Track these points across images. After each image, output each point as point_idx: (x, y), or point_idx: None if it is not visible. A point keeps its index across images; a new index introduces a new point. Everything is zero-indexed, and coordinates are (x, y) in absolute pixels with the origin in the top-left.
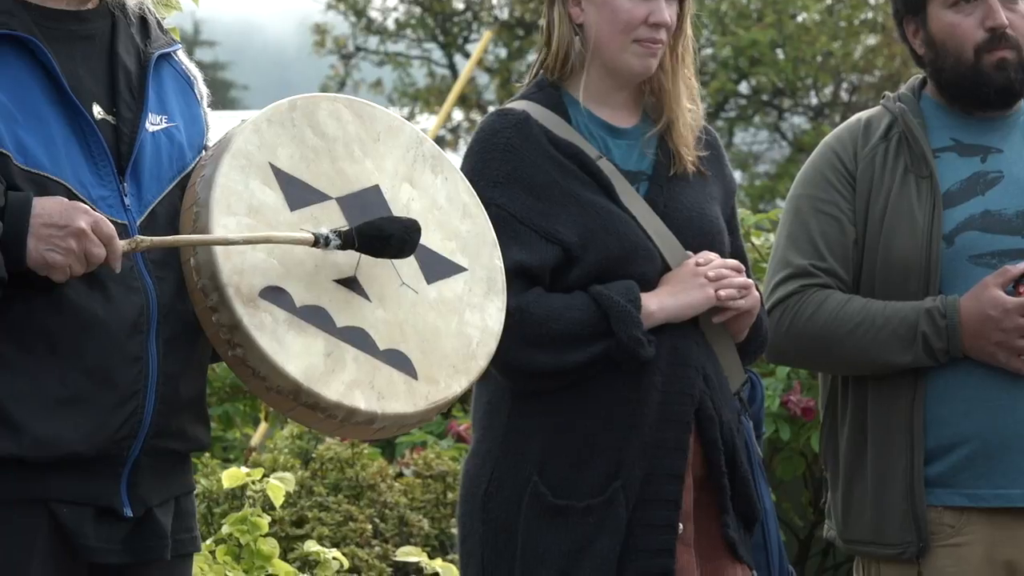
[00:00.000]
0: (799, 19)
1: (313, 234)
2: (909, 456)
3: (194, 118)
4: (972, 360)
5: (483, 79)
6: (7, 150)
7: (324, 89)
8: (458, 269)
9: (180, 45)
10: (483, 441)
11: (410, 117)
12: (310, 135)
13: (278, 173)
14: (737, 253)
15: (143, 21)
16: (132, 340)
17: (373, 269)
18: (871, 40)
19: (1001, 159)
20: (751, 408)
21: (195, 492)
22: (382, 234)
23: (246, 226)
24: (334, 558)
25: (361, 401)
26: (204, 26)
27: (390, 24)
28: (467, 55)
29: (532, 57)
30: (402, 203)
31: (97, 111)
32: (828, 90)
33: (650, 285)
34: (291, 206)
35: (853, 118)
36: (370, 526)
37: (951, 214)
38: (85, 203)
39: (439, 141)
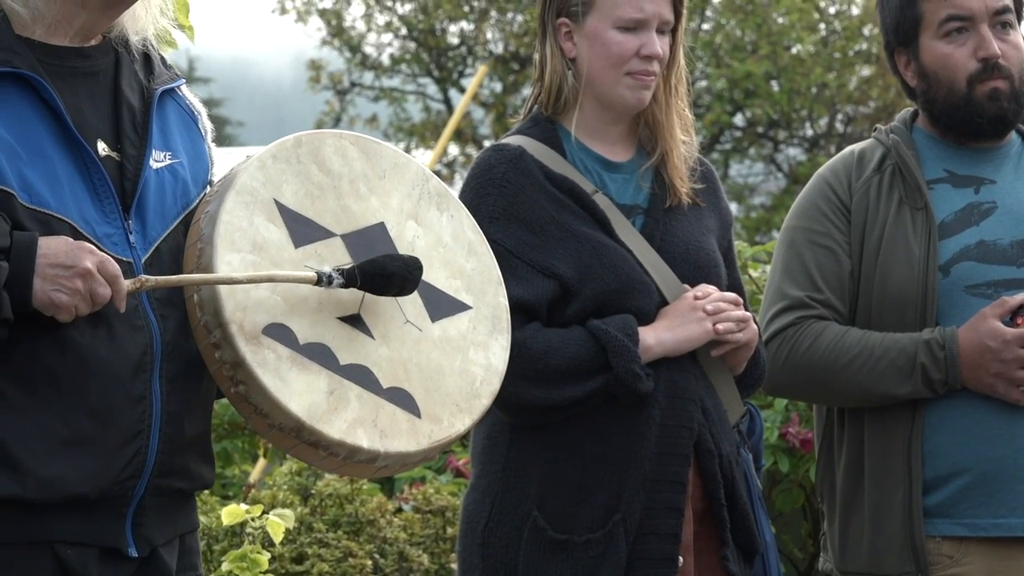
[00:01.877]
0: (794, 51)
1: (316, 272)
2: (907, 487)
3: (198, 154)
4: (970, 391)
5: (478, 114)
6: (11, 188)
7: (319, 125)
8: (463, 307)
9: (183, 81)
10: (482, 476)
11: (405, 152)
12: (315, 172)
13: (283, 210)
14: (734, 285)
15: (146, 57)
16: (136, 379)
17: (377, 306)
18: (866, 71)
19: (995, 190)
20: (750, 441)
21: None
22: (384, 272)
23: (250, 263)
24: None
25: (364, 440)
26: (199, 63)
27: (385, 59)
28: (462, 90)
29: (527, 91)
30: (407, 240)
31: (102, 148)
32: (823, 121)
33: (648, 319)
34: (296, 243)
35: (846, 150)
36: (370, 562)
37: (946, 245)
38: (91, 241)
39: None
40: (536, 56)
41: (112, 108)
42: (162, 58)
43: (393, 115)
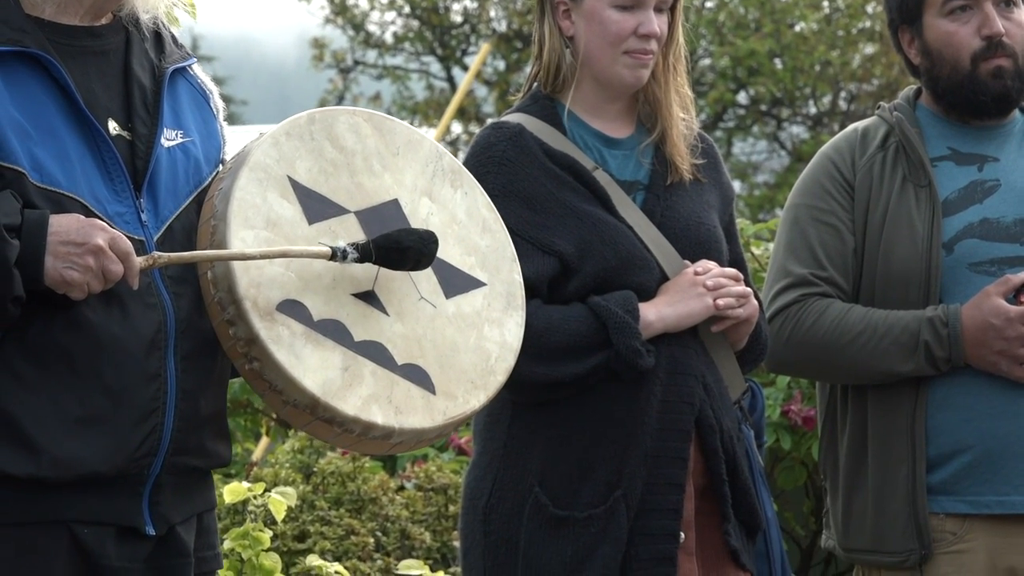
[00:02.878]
0: (797, 29)
1: (331, 247)
2: (911, 464)
3: (210, 132)
4: (973, 368)
5: (481, 92)
6: (22, 167)
7: (323, 103)
8: (477, 284)
9: (195, 59)
10: (484, 453)
11: None
12: (329, 148)
13: (296, 186)
14: (736, 261)
15: (157, 36)
16: (150, 357)
17: (391, 283)
18: (869, 49)
19: (998, 167)
20: (752, 417)
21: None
22: (399, 246)
23: (264, 239)
24: (336, 572)
25: (379, 416)
26: (202, 41)
27: (388, 38)
28: (465, 68)
29: (530, 69)
30: (421, 217)
31: (113, 127)
32: (826, 99)
33: (648, 295)
34: (309, 219)
35: (849, 128)
36: (372, 540)
37: (950, 222)
38: (102, 219)
39: None
40: (535, 34)
41: (123, 87)
42: (173, 37)
43: (396, 93)
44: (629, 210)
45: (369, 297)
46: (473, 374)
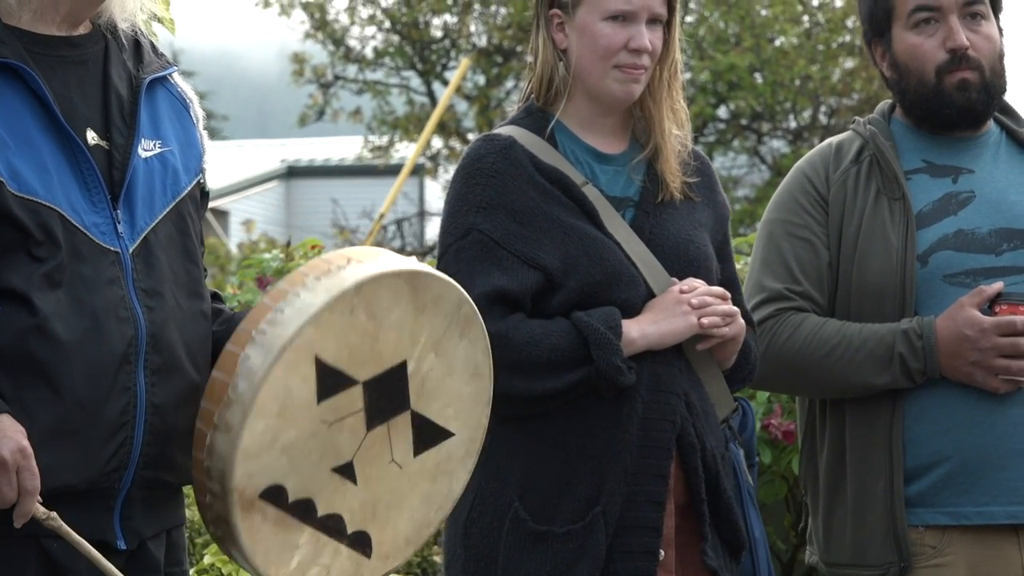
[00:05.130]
0: (777, 43)
1: None
2: (888, 477)
3: (190, 141)
4: (949, 379)
5: (462, 106)
6: (0, 176)
7: (303, 119)
8: (446, 435)
9: (175, 68)
10: None
11: (389, 145)
12: (363, 319)
13: (320, 365)
14: (729, 279)
15: (136, 44)
16: (121, 371)
17: (371, 448)
18: (849, 63)
19: (972, 179)
20: (742, 436)
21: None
22: None
23: (271, 428)
24: None
25: None
26: (183, 56)
27: (368, 52)
28: (445, 83)
29: (511, 84)
30: (421, 375)
31: (91, 136)
32: (807, 113)
33: (634, 311)
34: (319, 397)
35: (824, 143)
36: None
37: (924, 234)
38: (79, 230)
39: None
40: (531, 46)
41: (101, 97)
42: (153, 46)
43: (377, 108)
44: (617, 226)
45: (347, 469)
46: (410, 532)
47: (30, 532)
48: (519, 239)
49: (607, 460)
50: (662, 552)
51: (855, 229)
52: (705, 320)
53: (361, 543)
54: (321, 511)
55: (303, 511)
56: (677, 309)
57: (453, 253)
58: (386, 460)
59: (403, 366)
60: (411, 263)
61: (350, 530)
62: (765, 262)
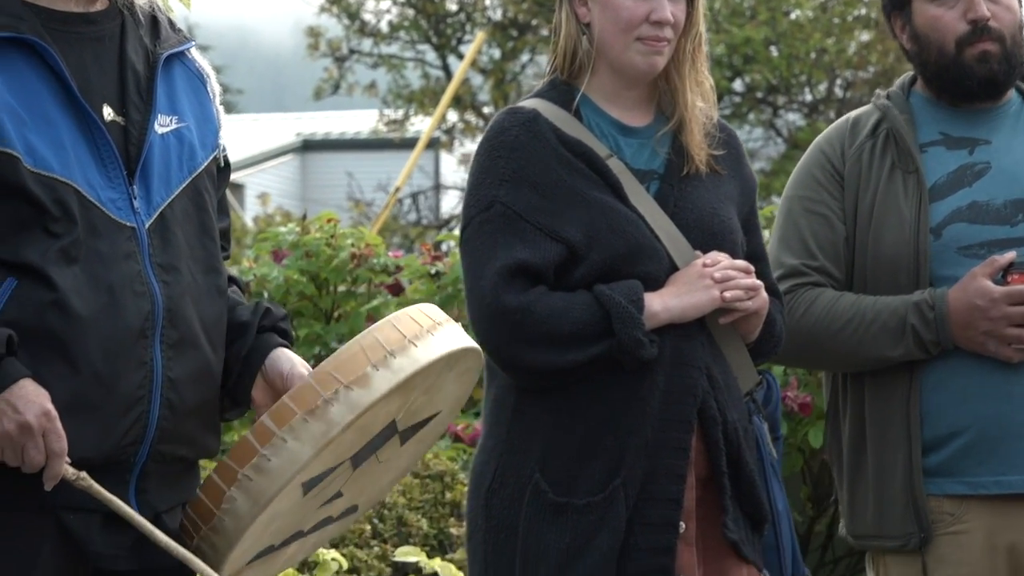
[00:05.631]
0: (793, 16)
1: None
2: (907, 448)
3: (207, 117)
4: (964, 350)
5: (477, 80)
6: (17, 152)
7: (319, 93)
8: (432, 417)
9: (192, 43)
10: (489, 437)
11: (404, 119)
12: (351, 436)
13: (306, 483)
14: (755, 252)
15: (154, 20)
16: (138, 345)
17: (362, 474)
18: (865, 36)
19: (989, 150)
20: (766, 409)
21: None
22: None
23: (256, 534)
24: (333, 559)
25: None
26: (198, 31)
27: (384, 26)
28: (461, 56)
29: (526, 58)
30: (409, 412)
31: (107, 113)
32: (822, 87)
33: (657, 285)
34: (305, 492)
35: (842, 118)
36: (369, 527)
37: (938, 207)
38: (95, 206)
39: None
40: (554, 20)
41: (118, 73)
42: (170, 21)
43: (392, 82)
44: (641, 199)
45: (333, 498)
46: (397, 477)
47: (47, 504)
48: (542, 212)
49: (628, 433)
50: (683, 524)
51: (870, 203)
52: (728, 294)
53: (348, 512)
54: (309, 528)
55: (292, 539)
56: (700, 283)
57: (476, 226)
58: (374, 466)
59: (389, 425)
60: (405, 373)
61: (337, 515)
62: (783, 238)
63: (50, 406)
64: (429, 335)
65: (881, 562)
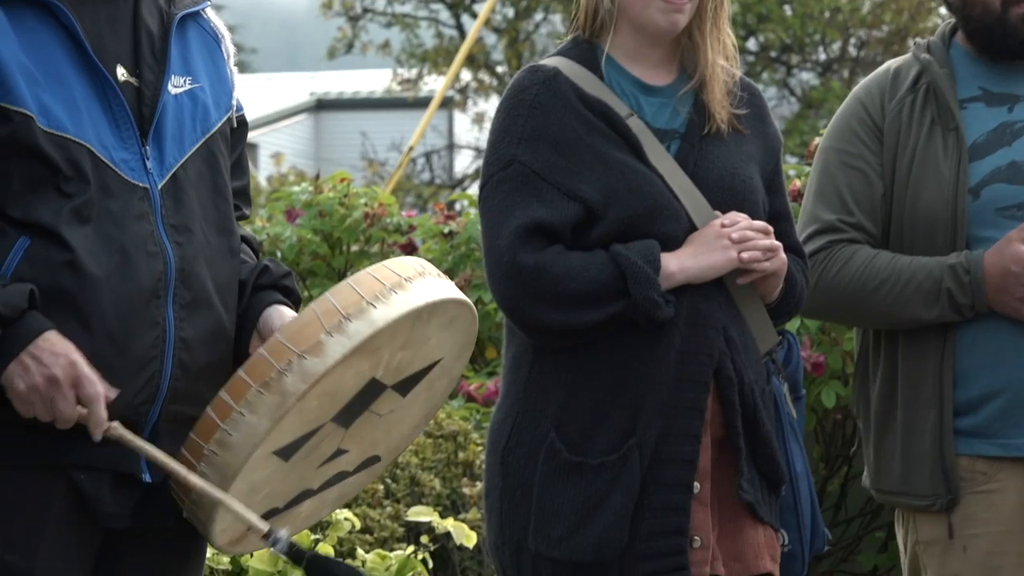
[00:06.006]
0: None
1: (268, 530)
2: (938, 409)
3: (221, 77)
4: (999, 314)
5: (491, 39)
6: (30, 111)
7: (332, 52)
8: (433, 366)
9: (208, 3)
10: (507, 396)
11: (418, 78)
12: (314, 404)
13: (278, 451)
14: (780, 212)
15: None
16: (151, 305)
17: (356, 429)
18: None
19: None
20: (785, 370)
21: None
22: (329, 571)
23: (247, 503)
24: (346, 519)
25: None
26: None
27: None
28: (474, 15)
29: (540, 16)
30: (392, 368)
31: (121, 73)
32: (836, 46)
33: (675, 244)
34: (285, 458)
35: (882, 68)
36: (381, 487)
37: (977, 167)
38: (108, 166)
39: (447, 102)
40: None
41: (132, 34)
42: None
43: (405, 41)
44: (661, 158)
45: (334, 455)
46: (416, 426)
47: (59, 463)
48: (560, 171)
49: (643, 393)
50: (697, 485)
51: (908, 160)
52: (745, 255)
53: (368, 463)
54: (318, 486)
55: (299, 499)
56: (717, 243)
57: (494, 184)
58: (374, 420)
59: (371, 383)
60: (361, 337)
61: (353, 469)
62: (819, 192)
63: (77, 356)
64: (392, 293)
65: (910, 519)
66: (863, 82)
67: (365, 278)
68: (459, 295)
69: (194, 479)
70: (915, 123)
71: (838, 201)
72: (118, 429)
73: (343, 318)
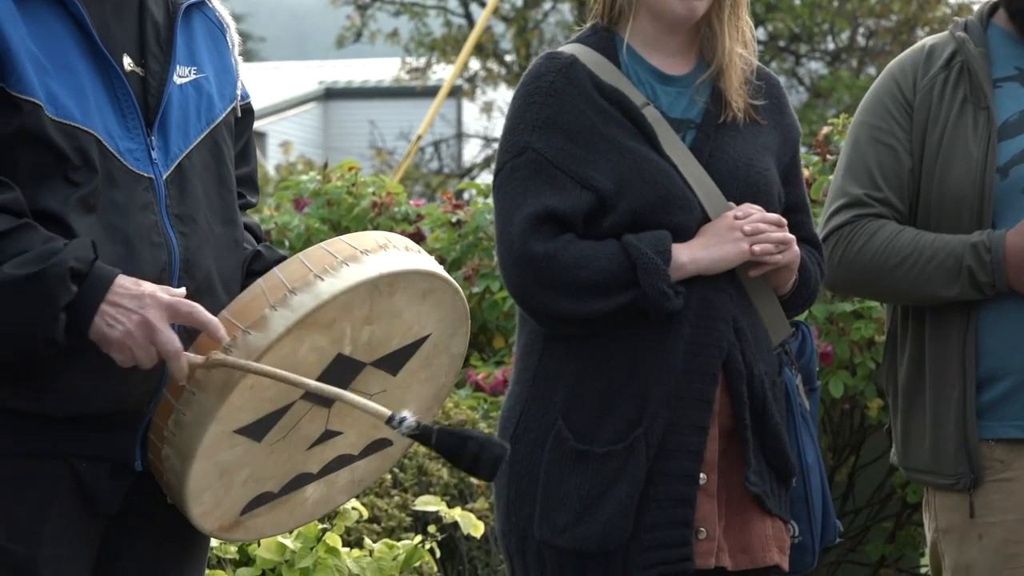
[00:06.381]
0: None
1: (390, 413)
2: (962, 388)
3: (225, 67)
4: (1021, 294)
5: (499, 28)
6: (39, 100)
7: (340, 41)
8: (422, 341)
9: None
10: (517, 383)
11: (427, 67)
12: (268, 383)
13: (242, 429)
14: (796, 203)
15: None
16: None
17: (343, 408)
18: None
19: None
20: (799, 362)
21: None
22: (461, 440)
23: (217, 487)
24: (353, 508)
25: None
26: None
27: None
28: (483, 4)
29: (548, 5)
30: (362, 343)
31: (127, 63)
32: (845, 35)
33: (688, 235)
34: (257, 439)
35: (917, 45)
36: (389, 476)
37: (1007, 146)
38: (113, 156)
39: (456, 91)
40: None
41: (137, 23)
42: None
43: (414, 29)
44: (676, 148)
45: (324, 437)
46: (424, 406)
47: (61, 452)
48: (574, 159)
49: (651, 383)
50: (703, 476)
51: (938, 137)
52: (757, 247)
53: (376, 447)
54: (317, 469)
55: (297, 483)
56: (729, 235)
57: (508, 171)
58: (367, 399)
59: (338, 359)
60: (305, 309)
61: (358, 452)
62: (849, 167)
63: (154, 289)
64: (344, 266)
65: (933, 504)
66: (897, 58)
67: (317, 252)
68: (428, 266)
69: (309, 381)
70: (947, 101)
71: (866, 176)
72: (220, 355)
73: (288, 292)
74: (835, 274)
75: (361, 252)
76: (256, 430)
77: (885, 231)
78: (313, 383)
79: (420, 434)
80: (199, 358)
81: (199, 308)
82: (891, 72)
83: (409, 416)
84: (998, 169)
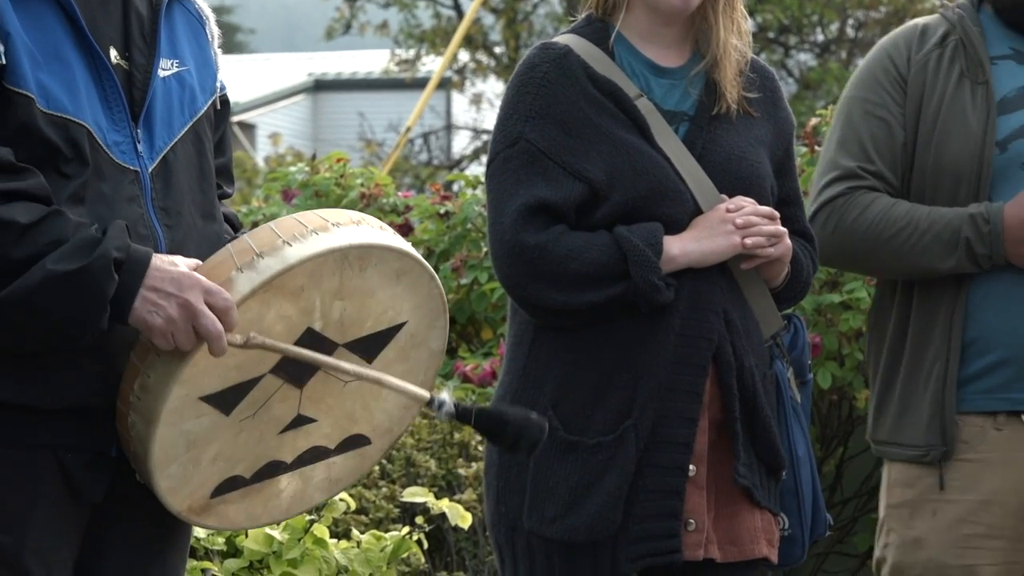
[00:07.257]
0: None
1: (429, 395)
2: (944, 361)
3: (206, 60)
4: (1016, 267)
5: (488, 20)
6: (31, 93)
7: (330, 33)
8: (398, 328)
9: None
10: (507, 373)
11: (416, 58)
12: (235, 351)
13: (209, 398)
14: (788, 195)
15: None
16: None
17: (316, 391)
18: None
19: None
20: (791, 354)
21: None
22: (501, 419)
23: (185, 461)
24: (341, 499)
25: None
26: None
27: None
28: None
29: None
30: (334, 321)
31: (113, 55)
32: (834, 27)
33: (680, 227)
34: (226, 412)
35: (909, 23)
36: (377, 467)
37: (1006, 121)
38: (101, 148)
39: (445, 82)
40: None
41: (122, 16)
42: None
43: (403, 21)
44: (668, 140)
45: (296, 422)
46: (404, 402)
47: (46, 443)
48: (566, 150)
49: (641, 375)
50: (693, 468)
51: (934, 111)
52: (749, 240)
53: (353, 444)
54: (291, 459)
55: (269, 471)
56: (721, 228)
57: (500, 162)
58: (339, 387)
59: (308, 332)
60: (271, 271)
61: (334, 446)
62: (841, 140)
63: (188, 270)
64: (313, 235)
65: (893, 469)
66: (890, 34)
67: (288, 221)
68: (400, 245)
69: (335, 361)
70: (942, 76)
71: (859, 149)
72: (258, 336)
73: (256, 255)
74: (828, 246)
75: (332, 224)
76: (223, 401)
77: (879, 203)
78: (351, 366)
79: (460, 416)
80: (238, 338)
81: (234, 306)
82: (884, 47)
83: (448, 399)
84: (997, 143)
